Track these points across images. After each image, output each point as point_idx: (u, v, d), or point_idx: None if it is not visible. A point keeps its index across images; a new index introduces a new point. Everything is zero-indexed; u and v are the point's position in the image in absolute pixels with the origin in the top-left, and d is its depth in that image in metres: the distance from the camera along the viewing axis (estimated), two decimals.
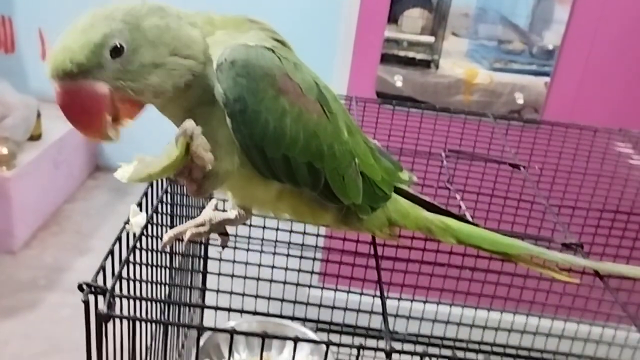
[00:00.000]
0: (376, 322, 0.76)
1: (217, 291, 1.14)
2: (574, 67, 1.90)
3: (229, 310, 0.68)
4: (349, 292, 0.94)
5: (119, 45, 0.59)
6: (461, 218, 0.86)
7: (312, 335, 1.31)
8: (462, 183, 1.14)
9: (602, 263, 0.84)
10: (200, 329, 0.63)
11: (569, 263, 0.82)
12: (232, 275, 1.06)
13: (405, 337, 0.63)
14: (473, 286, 1.00)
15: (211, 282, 1.31)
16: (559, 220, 0.96)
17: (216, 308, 0.68)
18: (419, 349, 0.67)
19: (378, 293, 0.73)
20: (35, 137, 2.70)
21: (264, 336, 0.61)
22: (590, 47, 1.87)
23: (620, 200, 1.21)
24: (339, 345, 0.61)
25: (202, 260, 1.24)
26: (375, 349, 0.57)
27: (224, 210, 0.82)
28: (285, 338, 0.61)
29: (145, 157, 0.63)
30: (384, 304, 0.67)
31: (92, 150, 3.22)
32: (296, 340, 0.61)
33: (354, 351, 1.11)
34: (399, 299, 1.02)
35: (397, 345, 0.60)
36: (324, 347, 1.19)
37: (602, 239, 1.10)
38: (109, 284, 0.65)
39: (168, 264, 0.89)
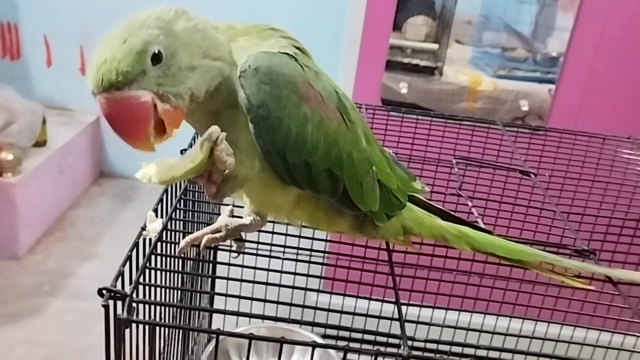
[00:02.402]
0: (384, 328, 0.76)
1: (226, 295, 1.14)
2: (579, 74, 1.91)
3: (241, 314, 0.68)
4: (357, 297, 0.95)
5: (157, 52, 0.59)
6: (473, 225, 0.87)
7: (321, 341, 1.31)
8: (471, 190, 1.14)
9: (615, 270, 0.84)
10: (218, 334, 0.64)
11: (584, 270, 0.83)
12: (241, 280, 1.06)
13: (423, 342, 0.63)
14: (482, 292, 1.01)
15: (218, 287, 1.32)
16: (570, 227, 0.97)
17: (234, 313, 0.69)
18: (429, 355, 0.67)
19: (389, 299, 0.73)
20: (40, 143, 2.71)
21: (282, 341, 0.61)
22: (594, 54, 1.88)
23: (629, 207, 1.21)
24: (356, 351, 0.61)
25: (211, 265, 1.25)
26: (394, 355, 0.58)
27: (239, 217, 0.82)
28: (303, 344, 0.61)
29: (168, 159, 0.64)
30: (400, 310, 0.68)
31: (96, 157, 3.24)
32: (314, 345, 0.62)
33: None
34: (408, 304, 1.02)
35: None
36: (331, 352, 1.20)
37: (611, 245, 1.10)
38: (121, 288, 0.65)
39: (181, 269, 0.90)
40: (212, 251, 1.20)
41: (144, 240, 0.76)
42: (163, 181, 0.63)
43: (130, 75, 0.58)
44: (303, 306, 0.75)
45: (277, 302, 0.78)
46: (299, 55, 0.69)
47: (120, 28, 0.60)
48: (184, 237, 0.80)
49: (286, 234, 0.99)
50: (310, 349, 0.65)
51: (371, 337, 1.46)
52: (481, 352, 1.31)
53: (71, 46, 3.07)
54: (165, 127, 0.62)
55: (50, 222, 2.78)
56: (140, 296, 0.68)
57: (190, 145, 1.04)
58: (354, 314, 0.75)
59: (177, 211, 0.87)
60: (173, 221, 0.84)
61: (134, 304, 0.63)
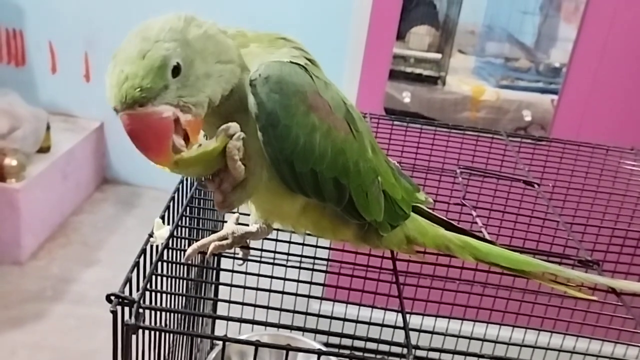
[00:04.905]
0: (386, 336, 0.77)
1: (230, 302, 1.15)
2: (582, 85, 1.91)
3: (245, 321, 0.68)
4: (360, 305, 0.95)
5: (177, 64, 0.59)
6: (476, 236, 0.87)
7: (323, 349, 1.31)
8: (475, 199, 1.15)
9: (619, 281, 0.84)
10: (225, 341, 0.64)
11: (587, 281, 0.83)
12: (244, 287, 1.07)
13: (426, 351, 0.63)
14: (485, 301, 1.01)
15: (222, 293, 1.32)
16: (574, 237, 0.97)
17: (238, 320, 0.69)
18: None
19: (392, 307, 0.73)
20: (44, 149, 2.72)
21: (288, 349, 0.62)
22: (597, 65, 1.89)
23: (632, 218, 1.22)
24: (362, 359, 0.62)
25: (214, 272, 1.25)
26: None
27: (245, 224, 0.83)
28: (310, 351, 0.62)
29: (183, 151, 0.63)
30: (405, 318, 0.68)
31: (100, 163, 3.25)
32: (320, 353, 0.62)
33: None
34: (411, 313, 1.02)
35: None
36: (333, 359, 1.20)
37: (614, 256, 1.11)
38: (126, 294, 0.66)
39: (186, 276, 0.90)
40: (215, 258, 1.20)
41: (150, 246, 0.76)
42: (172, 162, 0.62)
43: (154, 91, 0.58)
44: (306, 313, 0.76)
45: (280, 309, 0.79)
46: (309, 66, 0.70)
47: (134, 41, 0.59)
48: (190, 244, 0.80)
49: (290, 242, 0.99)
50: (311, 356, 0.65)
51: (373, 346, 1.46)
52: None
53: (76, 53, 3.09)
54: (189, 136, 0.62)
55: (53, 227, 2.78)
56: (147, 302, 0.68)
57: None
58: (357, 321, 0.75)
59: (184, 218, 0.88)
60: (179, 228, 0.85)
61: (141, 310, 0.63)
